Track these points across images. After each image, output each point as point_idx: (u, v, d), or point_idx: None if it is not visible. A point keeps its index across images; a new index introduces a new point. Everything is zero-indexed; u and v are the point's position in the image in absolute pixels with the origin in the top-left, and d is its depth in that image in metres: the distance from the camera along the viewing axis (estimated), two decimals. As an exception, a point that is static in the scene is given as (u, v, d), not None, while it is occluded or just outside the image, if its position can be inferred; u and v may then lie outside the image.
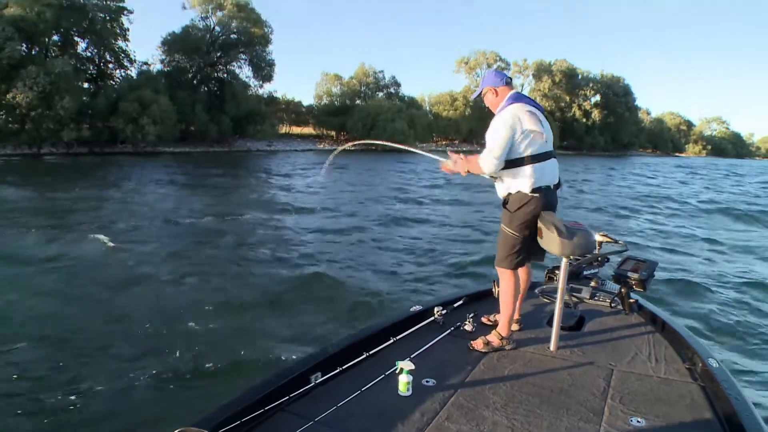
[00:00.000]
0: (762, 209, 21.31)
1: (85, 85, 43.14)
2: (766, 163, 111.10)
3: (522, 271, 3.61)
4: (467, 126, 72.75)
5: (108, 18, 43.16)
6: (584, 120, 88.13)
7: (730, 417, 2.57)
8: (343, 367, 3.02)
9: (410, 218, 15.56)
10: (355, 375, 2.99)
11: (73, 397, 4.69)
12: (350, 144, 5.02)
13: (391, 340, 3.39)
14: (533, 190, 3.32)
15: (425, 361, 3.15)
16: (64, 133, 36.36)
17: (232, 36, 52.00)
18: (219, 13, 51.15)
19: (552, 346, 3.42)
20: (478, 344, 3.43)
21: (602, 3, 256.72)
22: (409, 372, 2.84)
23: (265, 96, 58.26)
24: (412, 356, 3.13)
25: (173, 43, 50.42)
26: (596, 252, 4.25)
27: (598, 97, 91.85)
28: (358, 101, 69.11)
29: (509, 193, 3.40)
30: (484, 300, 4.23)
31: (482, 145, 3.42)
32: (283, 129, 66.51)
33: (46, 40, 39.32)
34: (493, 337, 3.44)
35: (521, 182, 3.33)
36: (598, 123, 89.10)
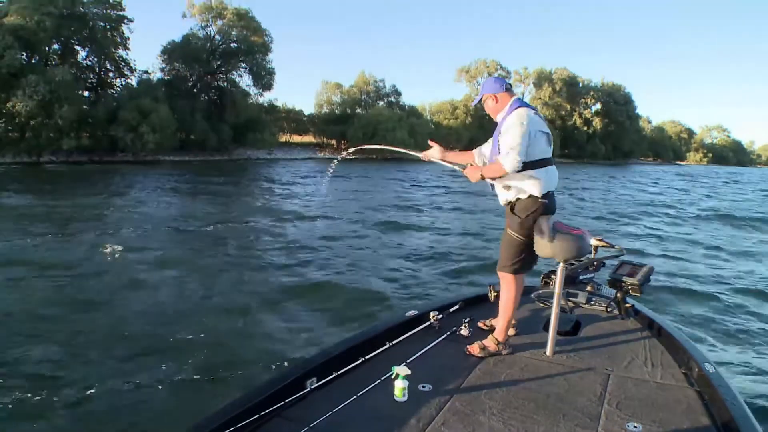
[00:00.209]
0: (759, 216, 21.34)
1: (85, 93, 43.27)
2: (766, 170, 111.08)
3: (519, 277, 3.61)
4: (468, 135, 72.71)
5: (108, 27, 43.38)
6: (585, 128, 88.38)
7: (727, 422, 2.56)
8: (339, 372, 3.00)
9: (408, 225, 15.59)
10: (351, 380, 2.97)
11: (72, 397, 4.73)
12: (350, 150, 5.00)
13: (387, 345, 3.38)
14: (543, 195, 3.32)
15: (421, 366, 3.13)
16: (64, 142, 36.41)
17: (232, 44, 52.20)
18: (219, 22, 51.44)
19: (548, 351, 3.41)
20: (474, 349, 3.41)
21: (603, 11, 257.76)
22: (405, 377, 2.82)
23: (266, 104, 58.43)
24: (408, 361, 3.10)
25: (173, 52, 50.51)
26: (592, 256, 4.25)
27: (598, 106, 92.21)
28: (358, 110, 69.22)
29: (518, 198, 3.37)
30: (481, 305, 4.22)
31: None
32: (284, 137, 66.46)
33: (46, 48, 39.55)
34: (489, 342, 3.43)
35: (532, 186, 3.31)
36: (599, 131, 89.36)
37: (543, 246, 3.26)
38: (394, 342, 3.42)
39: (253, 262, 10.47)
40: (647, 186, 39.43)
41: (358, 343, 3.35)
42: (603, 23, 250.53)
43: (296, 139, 69.77)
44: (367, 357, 3.19)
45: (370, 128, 62.09)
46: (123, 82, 47.61)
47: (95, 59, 44.94)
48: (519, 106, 3.38)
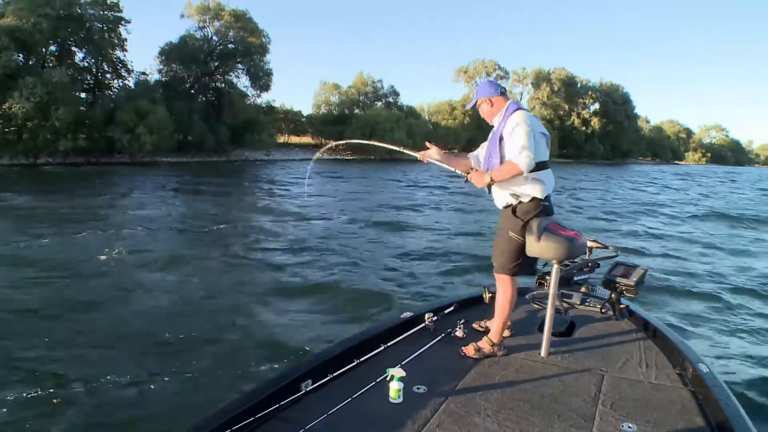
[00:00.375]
0: (755, 215, 21.39)
1: (82, 95, 43.07)
2: (765, 170, 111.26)
3: (515, 279, 3.61)
4: (466, 135, 72.71)
5: (106, 28, 43.16)
6: (583, 128, 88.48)
7: (721, 422, 2.57)
8: (334, 375, 3.00)
9: (403, 225, 15.64)
10: (346, 382, 2.97)
11: (71, 397, 4.74)
12: (341, 143, 5.03)
13: (382, 347, 3.38)
14: (545, 198, 3.34)
15: (416, 367, 3.13)
16: (61, 143, 36.30)
17: (229, 45, 52.11)
18: (216, 23, 51.32)
19: (543, 352, 3.42)
20: (469, 351, 3.41)
21: (602, 11, 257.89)
22: (400, 379, 2.82)
23: (264, 105, 58.29)
24: (403, 363, 3.10)
25: (171, 53, 50.37)
26: (586, 257, 4.26)
27: (597, 105, 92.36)
28: (356, 110, 69.22)
29: (520, 201, 3.37)
30: (475, 306, 4.22)
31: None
32: (282, 138, 66.41)
33: (43, 50, 39.36)
34: (484, 344, 3.43)
35: (535, 189, 3.33)
36: (597, 131, 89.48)
37: (534, 246, 3.26)
38: (389, 344, 3.42)
39: (250, 262, 10.48)
40: (645, 186, 39.50)
41: (353, 345, 3.34)
42: (602, 23, 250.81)
43: (294, 140, 69.69)
44: (362, 359, 3.19)
45: (368, 129, 62.02)
46: (120, 84, 47.39)
47: (92, 61, 44.74)
48: (516, 109, 3.39)
